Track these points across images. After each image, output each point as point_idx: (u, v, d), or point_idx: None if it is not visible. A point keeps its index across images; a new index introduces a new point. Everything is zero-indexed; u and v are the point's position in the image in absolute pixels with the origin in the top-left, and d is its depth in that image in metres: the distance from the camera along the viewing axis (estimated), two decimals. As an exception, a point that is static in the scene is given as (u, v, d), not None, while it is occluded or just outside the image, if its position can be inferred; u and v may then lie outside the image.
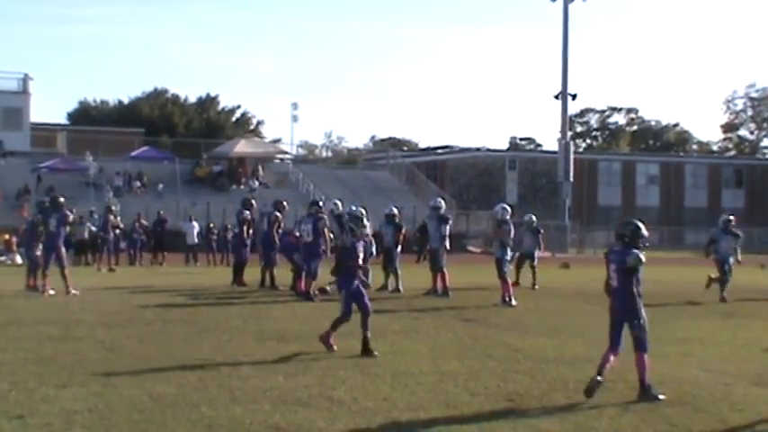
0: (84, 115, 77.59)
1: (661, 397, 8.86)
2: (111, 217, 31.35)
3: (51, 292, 19.23)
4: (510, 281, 19.20)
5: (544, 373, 10.22)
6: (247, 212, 23.38)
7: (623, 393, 9.15)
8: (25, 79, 53.56)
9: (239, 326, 14.42)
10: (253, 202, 24.25)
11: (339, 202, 23.96)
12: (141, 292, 20.28)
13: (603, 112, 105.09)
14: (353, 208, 23.85)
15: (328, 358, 11.03)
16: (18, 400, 8.43)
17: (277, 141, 74.93)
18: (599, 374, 8.82)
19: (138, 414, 7.96)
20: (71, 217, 20.41)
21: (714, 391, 9.49)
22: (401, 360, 11.00)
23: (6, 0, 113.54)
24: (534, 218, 24.41)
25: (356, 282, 11.52)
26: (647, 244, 9.10)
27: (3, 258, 33.38)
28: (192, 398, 8.65)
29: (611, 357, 8.95)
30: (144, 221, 35.25)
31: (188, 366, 10.38)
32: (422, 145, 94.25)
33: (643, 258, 8.93)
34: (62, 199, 20.77)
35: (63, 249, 19.96)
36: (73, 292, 19.18)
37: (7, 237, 35.49)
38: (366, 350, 11.27)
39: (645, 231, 9.06)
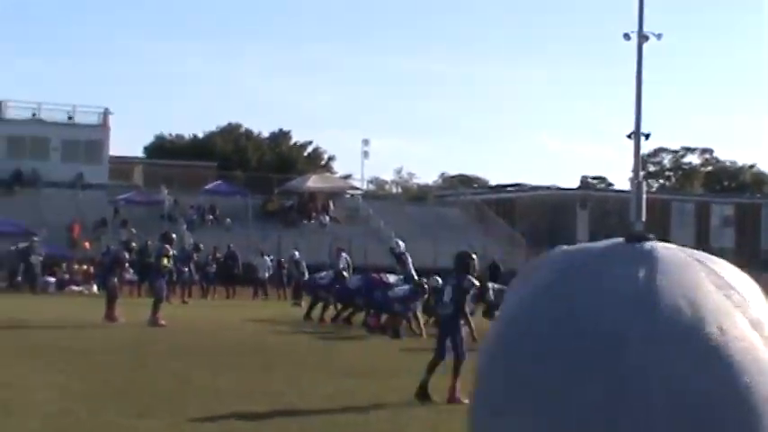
0: (160, 149, 79.01)
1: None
2: (195, 254, 32.24)
3: (122, 320, 19.96)
4: None
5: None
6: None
7: None
8: (105, 113, 54.80)
9: (309, 359, 14.54)
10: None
11: (401, 242, 24.33)
12: (213, 325, 20.58)
13: (677, 152, 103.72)
14: (399, 243, 24.11)
15: (400, 394, 11.03)
16: (96, 427, 8.62)
17: (347, 177, 75.38)
18: None
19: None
20: (170, 251, 21.28)
21: None
22: (472, 399, 10.96)
23: (87, 36, 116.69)
24: None
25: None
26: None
27: (80, 288, 34.18)
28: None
29: None
30: (218, 255, 35.88)
31: (259, 400, 10.50)
32: (492, 182, 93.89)
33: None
34: (174, 235, 21.93)
35: (161, 282, 20.64)
36: (162, 323, 19.65)
37: (85, 267, 36.38)
38: (424, 394, 10.70)
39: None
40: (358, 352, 15.98)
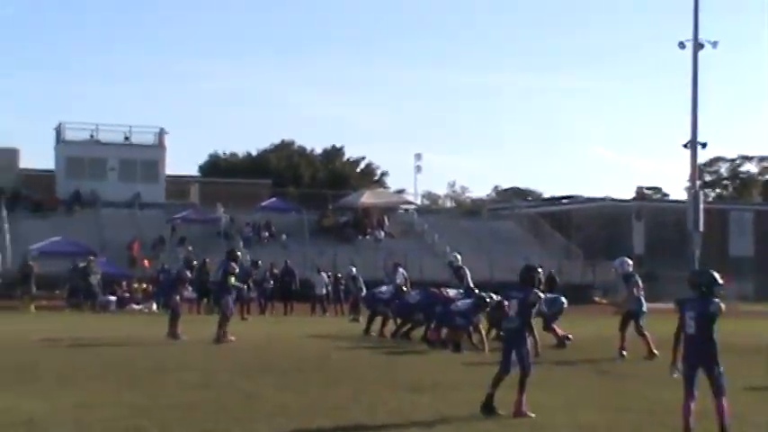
0: (215, 167, 79.79)
1: None
2: (254, 271, 32.61)
3: (184, 338, 20.22)
4: (648, 334, 18.41)
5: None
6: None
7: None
8: (161, 133, 55.55)
9: (372, 375, 14.58)
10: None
11: (458, 255, 24.39)
12: (273, 341, 20.72)
13: (734, 160, 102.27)
14: (457, 256, 24.11)
15: (464, 408, 11.01)
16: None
17: (401, 192, 75.47)
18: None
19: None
20: (236, 269, 21.49)
21: None
22: (536, 412, 10.89)
23: (142, 58, 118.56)
24: None
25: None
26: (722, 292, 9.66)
27: (140, 307, 34.63)
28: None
29: (692, 406, 9.03)
30: (276, 271, 36.23)
31: (324, 415, 10.55)
32: (545, 195, 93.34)
33: (723, 307, 9.39)
34: (238, 252, 22.16)
35: (227, 299, 20.76)
36: (230, 338, 19.88)
37: (144, 285, 36.89)
38: (489, 407, 10.70)
39: (720, 280, 9.60)
40: (420, 366, 15.99)
